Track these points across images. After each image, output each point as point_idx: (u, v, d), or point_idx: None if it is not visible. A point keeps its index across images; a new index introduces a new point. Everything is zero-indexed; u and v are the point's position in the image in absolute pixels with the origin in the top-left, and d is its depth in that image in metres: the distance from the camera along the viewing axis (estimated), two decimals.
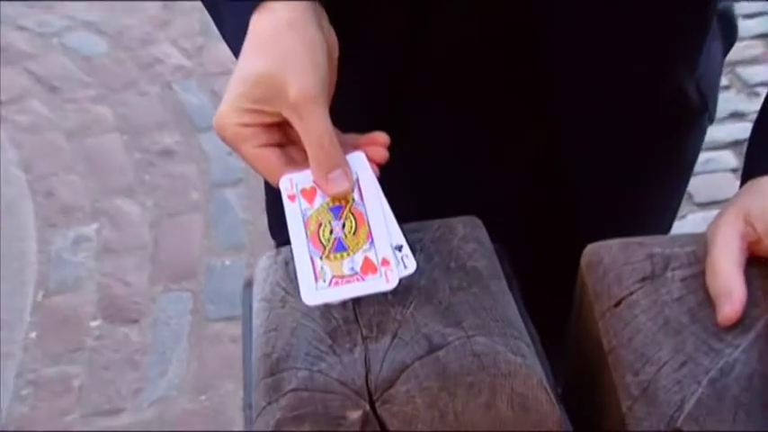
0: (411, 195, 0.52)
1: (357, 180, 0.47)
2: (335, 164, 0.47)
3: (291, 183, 0.47)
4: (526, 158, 0.61)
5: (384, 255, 0.44)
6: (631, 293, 0.46)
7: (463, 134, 0.60)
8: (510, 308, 0.46)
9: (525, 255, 0.54)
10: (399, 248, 0.45)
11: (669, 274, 0.47)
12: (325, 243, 0.45)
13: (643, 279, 0.47)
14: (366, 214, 0.46)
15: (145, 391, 1.41)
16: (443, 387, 0.42)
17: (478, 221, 0.51)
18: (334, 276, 0.44)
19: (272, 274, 0.50)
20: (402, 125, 0.52)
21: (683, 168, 0.69)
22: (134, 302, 1.56)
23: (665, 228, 0.72)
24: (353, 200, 0.46)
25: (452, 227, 0.50)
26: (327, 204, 0.46)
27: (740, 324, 0.44)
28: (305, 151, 0.47)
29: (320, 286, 0.43)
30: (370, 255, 0.44)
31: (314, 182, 0.47)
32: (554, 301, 0.58)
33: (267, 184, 0.70)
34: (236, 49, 0.49)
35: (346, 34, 0.50)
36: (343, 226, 0.45)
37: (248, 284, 0.55)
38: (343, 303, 0.45)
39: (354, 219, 0.46)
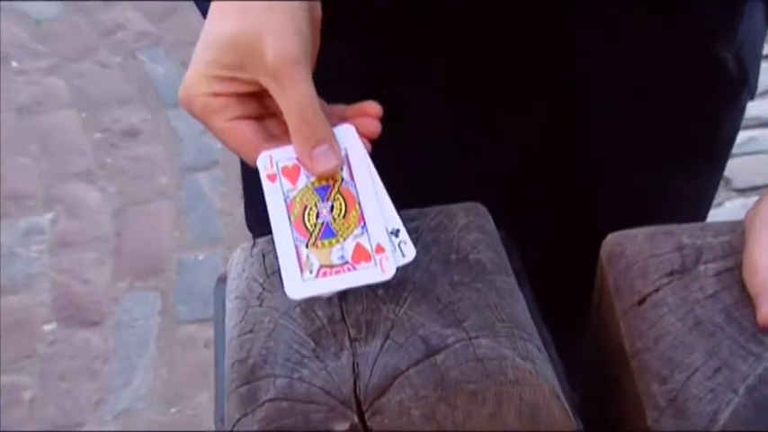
0: (411, 190, 0.52)
1: (346, 156, 0.47)
2: (321, 138, 0.46)
3: (271, 160, 0.47)
4: (536, 143, 0.61)
5: (378, 240, 0.44)
6: (658, 290, 0.46)
7: (464, 118, 0.60)
8: (518, 306, 0.46)
9: (534, 249, 0.54)
10: (396, 233, 0.45)
11: (701, 267, 0.47)
12: (310, 228, 0.45)
13: (671, 273, 0.47)
14: (357, 195, 0.45)
15: (107, 403, 1.41)
16: (442, 396, 0.42)
17: (483, 208, 0.51)
18: (321, 266, 0.43)
19: (247, 268, 0.50)
20: (399, 116, 0.52)
21: (719, 151, 0.69)
22: (94, 303, 1.56)
23: (698, 220, 0.72)
24: (342, 179, 0.46)
25: (453, 214, 0.50)
26: (313, 184, 0.46)
27: None
28: (285, 124, 0.47)
29: (306, 278, 0.43)
30: (363, 241, 0.44)
31: (297, 159, 0.47)
32: (569, 300, 0.58)
33: (244, 167, 0.70)
34: (204, 8, 0.49)
35: (340, 25, 0.50)
36: (332, 208, 0.45)
37: (221, 281, 0.55)
38: (328, 300, 0.45)
39: (344, 200, 0.45)
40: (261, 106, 0.48)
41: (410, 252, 0.44)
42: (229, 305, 0.49)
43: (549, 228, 0.65)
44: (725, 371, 0.42)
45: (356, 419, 0.41)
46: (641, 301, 0.46)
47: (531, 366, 0.43)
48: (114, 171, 1.77)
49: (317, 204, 0.45)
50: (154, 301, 1.56)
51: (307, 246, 0.44)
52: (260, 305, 0.47)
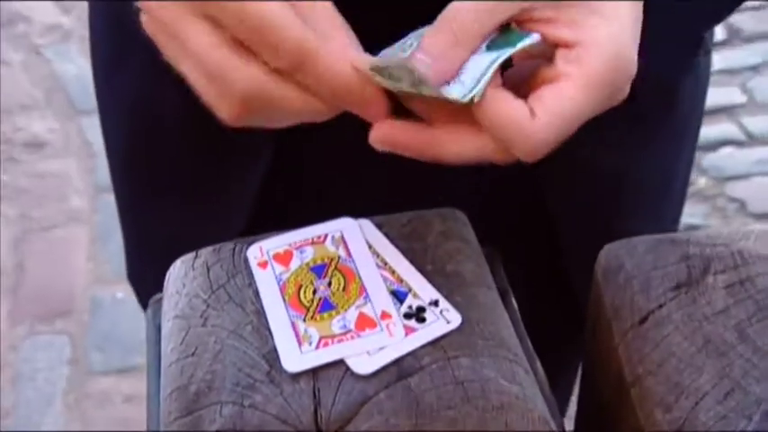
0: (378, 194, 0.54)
1: (341, 238, 0.52)
2: None
3: (261, 250, 0.52)
4: None
5: (383, 307, 0.48)
6: (661, 306, 0.48)
7: None
8: (502, 323, 0.48)
9: (519, 266, 0.56)
10: (435, 304, 0.48)
11: (710, 279, 0.49)
12: (307, 304, 0.49)
13: (677, 287, 0.49)
14: (356, 269, 0.50)
15: None
16: (417, 425, 0.43)
17: (461, 214, 0.53)
18: (321, 337, 0.47)
19: (188, 283, 0.51)
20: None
21: (681, 126, 0.69)
22: None
23: (674, 205, 0.74)
24: (339, 257, 0.51)
25: (428, 220, 0.52)
26: (308, 265, 0.51)
27: None
28: None
29: (305, 350, 0.47)
30: (366, 309, 0.48)
31: (289, 244, 0.52)
32: (560, 323, 0.59)
33: (125, 221, 0.72)
34: None
35: None
36: (329, 284, 0.50)
37: (156, 301, 0.56)
38: None
39: (342, 275, 0.50)
40: None
41: (456, 318, 0.47)
42: (167, 326, 0.50)
43: (527, 242, 0.67)
44: (737, 394, 0.44)
45: None
46: (643, 320, 0.48)
47: (518, 390, 0.44)
48: (14, 191, 1.76)
49: (314, 282, 0.50)
50: (61, 347, 1.55)
51: (304, 320, 0.48)
52: (203, 324, 0.48)
